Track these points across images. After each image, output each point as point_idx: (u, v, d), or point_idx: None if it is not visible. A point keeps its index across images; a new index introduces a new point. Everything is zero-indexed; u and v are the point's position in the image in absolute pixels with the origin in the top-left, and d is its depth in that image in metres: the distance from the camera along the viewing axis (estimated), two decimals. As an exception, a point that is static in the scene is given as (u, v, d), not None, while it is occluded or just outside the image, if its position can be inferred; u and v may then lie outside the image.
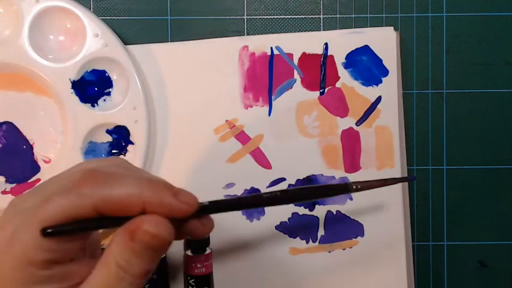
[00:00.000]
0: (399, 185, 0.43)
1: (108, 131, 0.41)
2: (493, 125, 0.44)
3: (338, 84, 0.43)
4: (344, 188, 0.30)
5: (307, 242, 0.43)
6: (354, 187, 0.30)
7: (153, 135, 0.42)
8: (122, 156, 0.28)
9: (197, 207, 0.26)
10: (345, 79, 0.43)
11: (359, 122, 0.43)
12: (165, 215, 0.25)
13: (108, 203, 0.24)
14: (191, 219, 0.26)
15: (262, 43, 0.43)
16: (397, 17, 0.44)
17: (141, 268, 0.25)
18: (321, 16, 0.44)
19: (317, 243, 0.43)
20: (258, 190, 0.43)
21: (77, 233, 0.25)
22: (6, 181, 0.42)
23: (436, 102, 0.44)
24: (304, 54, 0.43)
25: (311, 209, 0.43)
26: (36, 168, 0.42)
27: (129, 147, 0.41)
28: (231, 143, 0.43)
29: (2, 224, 0.25)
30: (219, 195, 0.43)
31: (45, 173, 0.42)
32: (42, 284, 0.24)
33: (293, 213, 0.43)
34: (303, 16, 0.44)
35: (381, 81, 0.43)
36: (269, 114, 0.43)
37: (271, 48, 0.43)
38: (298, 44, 0.43)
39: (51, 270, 0.24)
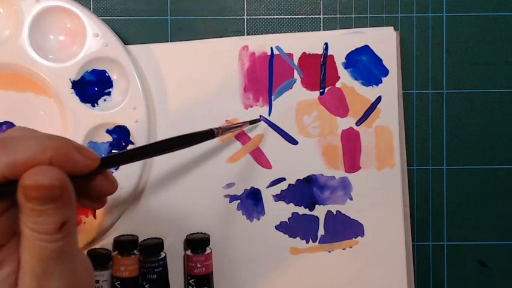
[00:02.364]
0: (399, 185, 0.43)
1: (108, 131, 0.41)
2: (493, 125, 0.44)
3: (338, 84, 0.43)
4: (210, 134, 0.35)
5: (307, 242, 0.43)
6: (216, 131, 0.35)
7: (153, 135, 0.42)
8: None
9: (100, 161, 0.26)
10: (345, 79, 0.43)
11: (359, 122, 0.43)
12: (71, 171, 0.25)
13: (14, 168, 0.23)
14: (97, 176, 0.27)
15: (262, 43, 0.43)
16: (397, 17, 0.44)
17: (52, 223, 0.24)
18: (321, 16, 0.44)
19: (317, 243, 0.43)
20: (258, 190, 0.43)
21: None
22: (6, 181, 0.42)
23: (436, 102, 0.44)
24: (304, 54, 0.43)
25: (311, 209, 0.43)
26: (36, 168, 0.42)
27: (129, 147, 0.41)
28: (231, 143, 0.43)
29: None
30: (219, 195, 0.43)
31: (45, 173, 0.42)
32: None
33: (293, 213, 0.43)
34: (303, 16, 0.44)
35: (381, 81, 0.43)
36: (269, 114, 0.43)
37: (271, 48, 0.43)
38: (298, 44, 0.43)
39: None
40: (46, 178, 0.23)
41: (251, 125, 0.42)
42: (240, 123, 0.41)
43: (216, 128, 0.36)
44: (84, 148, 0.26)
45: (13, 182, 0.24)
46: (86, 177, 0.26)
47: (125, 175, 0.41)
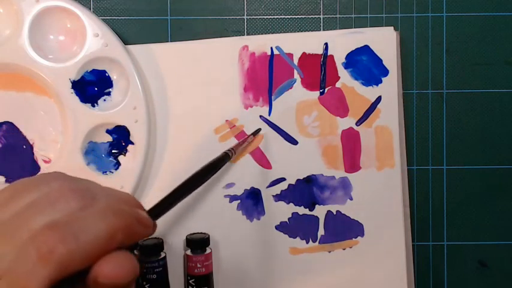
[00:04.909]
0: (399, 185, 0.43)
1: (108, 131, 0.41)
2: (493, 125, 0.44)
3: (338, 84, 0.43)
4: (226, 156, 0.37)
5: (307, 242, 0.43)
6: (230, 153, 0.37)
7: (153, 135, 0.42)
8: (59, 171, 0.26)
9: (155, 226, 0.25)
10: (345, 79, 0.43)
11: (359, 122, 0.43)
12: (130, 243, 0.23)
13: (83, 262, 0.21)
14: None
15: (262, 43, 0.43)
16: (397, 17, 0.44)
17: None
18: (321, 16, 0.44)
19: (317, 243, 0.43)
20: (258, 190, 0.43)
21: None
22: (6, 181, 0.42)
23: (436, 102, 0.44)
24: (304, 54, 0.43)
25: (311, 209, 0.43)
26: (36, 168, 0.42)
27: (129, 147, 0.41)
28: (231, 143, 0.43)
29: None
30: (219, 195, 0.43)
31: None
32: None
33: (293, 213, 0.43)
34: (303, 16, 0.44)
35: (381, 81, 0.43)
36: (269, 114, 0.43)
37: (271, 48, 0.43)
38: (298, 44, 0.43)
39: None
40: (122, 275, 0.22)
41: (254, 135, 0.43)
42: (245, 138, 0.42)
43: (229, 150, 0.38)
44: (143, 216, 0.24)
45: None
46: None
47: (125, 175, 0.41)
